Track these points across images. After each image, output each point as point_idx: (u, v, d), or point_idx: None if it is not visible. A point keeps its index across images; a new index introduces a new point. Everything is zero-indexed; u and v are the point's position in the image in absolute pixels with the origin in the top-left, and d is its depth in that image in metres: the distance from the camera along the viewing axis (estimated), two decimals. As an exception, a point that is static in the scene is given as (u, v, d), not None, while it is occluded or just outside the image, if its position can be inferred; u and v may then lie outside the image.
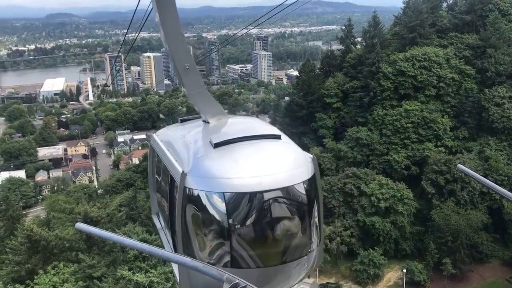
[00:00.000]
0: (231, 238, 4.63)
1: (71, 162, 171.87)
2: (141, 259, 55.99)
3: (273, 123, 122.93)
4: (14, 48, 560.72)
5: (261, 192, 4.64)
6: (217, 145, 4.92)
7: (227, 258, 4.74)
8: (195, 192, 4.86)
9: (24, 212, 75.29)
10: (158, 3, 5.25)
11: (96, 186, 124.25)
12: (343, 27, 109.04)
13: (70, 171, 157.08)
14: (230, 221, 4.63)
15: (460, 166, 8.15)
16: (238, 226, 4.65)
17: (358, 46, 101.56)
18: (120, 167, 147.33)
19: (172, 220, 5.33)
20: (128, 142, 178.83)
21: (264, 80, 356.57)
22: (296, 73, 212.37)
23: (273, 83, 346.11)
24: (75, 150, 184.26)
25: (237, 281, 6.14)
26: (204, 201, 4.76)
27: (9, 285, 42.85)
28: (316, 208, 5.31)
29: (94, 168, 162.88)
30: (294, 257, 4.83)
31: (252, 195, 4.62)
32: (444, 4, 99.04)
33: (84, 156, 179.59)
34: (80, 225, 9.57)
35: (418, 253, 74.89)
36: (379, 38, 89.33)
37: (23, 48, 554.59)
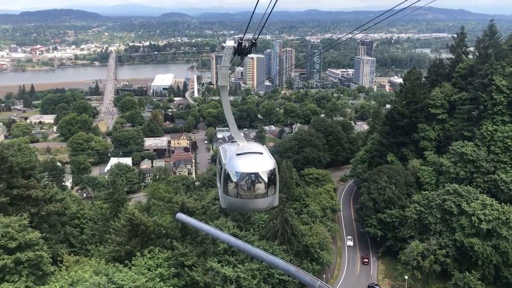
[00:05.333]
0: (238, 187, 10.42)
1: (173, 153, 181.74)
2: (230, 253, 57.85)
3: (371, 130, 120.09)
4: (131, 44, 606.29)
5: (249, 173, 10.38)
6: (238, 155, 10.63)
7: (236, 194, 10.46)
8: (228, 171, 10.54)
9: (128, 197, 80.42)
10: (223, 98, 11.35)
11: (194, 178, 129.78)
12: (455, 35, 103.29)
13: (171, 162, 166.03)
14: (239, 182, 10.41)
15: None
16: (241, 184, 10.41)
17: (470, 56, 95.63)
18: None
19: (220, 181, 11.13)
20: (227, 139, 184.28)
21: (365, 85, 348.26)
22: (400, 80, 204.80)
23: (375, 89, 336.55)
24: (178, 143, 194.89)
25: (329, 288, 6.36)
26: (230, 174, 10.49)
27: (110, 263, 46.36)
28: (273, 181, 10.65)
29: (193, 161, 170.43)
30: (261, 197, 10.52)
31: (246, 173, 10.38)
32: None
33: (185, 149, 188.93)
34: (181, 216, 10.94)
35: (522, 283, 68.78)
36: (494, 49, 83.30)
37: (138, 44, 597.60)
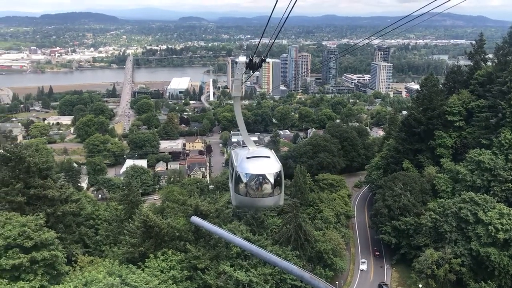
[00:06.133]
0: (247, 187, 11.67)
1: (188, 156, 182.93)
2: (243, 257, 57.82)
3: (387, 136, 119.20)
4: (148, 47, 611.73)
5: (257, 174, 11.63)
6: (248, 158, 11.91)
7: (246, 193, 11.70)
8: (239, 173, 11.77)
9: (142, 199, 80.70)
10: (235, 107, 12.73)
11: (208, 182, 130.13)
12: (474, 42, 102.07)
13: (186, 165, 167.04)
14: (248, 182, 11.66)
15: None
16: (249, 183, 11.65)
17: (489, 63, 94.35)
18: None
19: (232, 181, 12.43)
20: (241, 143, 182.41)
21: (381, 91, 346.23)
22: (417, 86, 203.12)
23: (391, 95, 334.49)
24: (193, 146, 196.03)
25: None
26: (241, 175, 11.70)
27: (123, 264, 46.66)
28: (278, 182, 11.85)
29: (208, 164, 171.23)
30: (268, 196, 11.77)
31: (255, 175, 11.63)
32: None
33: (200, 152, 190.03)
34: (195, 219, 11.06)
35: (539, 294, 67.33)
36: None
37: (156, 48, 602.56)
